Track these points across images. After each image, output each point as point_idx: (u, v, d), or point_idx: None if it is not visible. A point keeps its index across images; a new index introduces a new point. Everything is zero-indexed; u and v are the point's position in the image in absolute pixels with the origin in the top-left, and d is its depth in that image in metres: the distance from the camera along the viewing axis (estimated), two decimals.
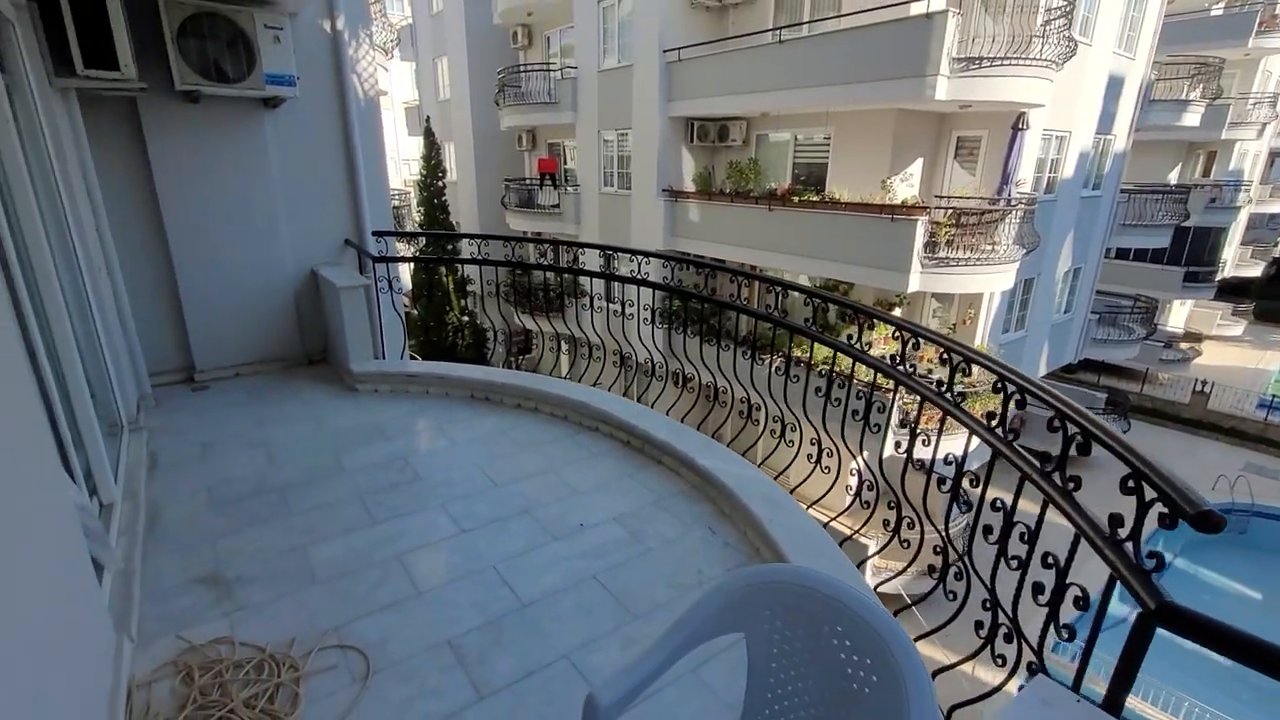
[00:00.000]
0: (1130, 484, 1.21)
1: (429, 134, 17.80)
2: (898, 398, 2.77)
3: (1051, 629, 1.49)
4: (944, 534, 2.04)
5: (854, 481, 2.91)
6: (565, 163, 16.65)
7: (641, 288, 4.04)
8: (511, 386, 4.13)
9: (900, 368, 2.24)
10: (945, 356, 2.02)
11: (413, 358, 5.50)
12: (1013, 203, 9.62)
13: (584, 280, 6.41)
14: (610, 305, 5.01)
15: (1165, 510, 1.12)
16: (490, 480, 3.20)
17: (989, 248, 9.39)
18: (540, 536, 2.76)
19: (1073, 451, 1.45)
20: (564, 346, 14.50)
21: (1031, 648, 1.56)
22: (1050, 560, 1.45)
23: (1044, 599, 1.48)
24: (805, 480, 3.11)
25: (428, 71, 20.51)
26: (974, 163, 10.57)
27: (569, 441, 3.65)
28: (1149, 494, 1.18)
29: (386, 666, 2.05)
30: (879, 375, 2.62)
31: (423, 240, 9.48)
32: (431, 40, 19.80)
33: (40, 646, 1.38)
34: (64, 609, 1.60)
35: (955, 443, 2.12)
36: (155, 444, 3.48)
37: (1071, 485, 1.40)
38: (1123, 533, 1.24)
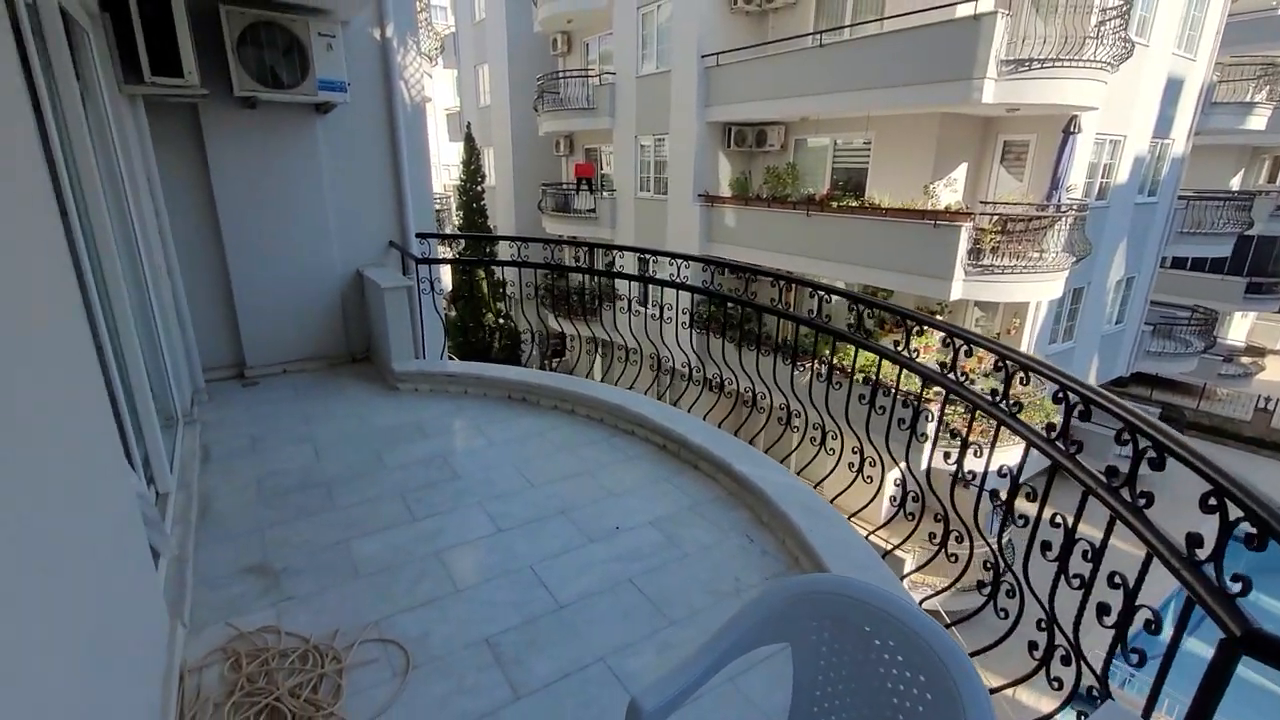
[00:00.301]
0: (1211, 501, 1.14)
1: (469, 139, 18.16)
2: (941, 409, 2.69)
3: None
4: (997, 549, 1.96)
5: (894, 492, 2.83)
6: (602, 168, 16.77)
7: (680, 291, 4.02)
8: (548, 388, 4.15)
9: (950, 376, 2.17)
10: (999, 364, 1.95)
11: (450, 358, 5.59)
12: (1062, 209, 9.30)
13: (619, 284, 6.43)
14: (646, 310, 5.00)
15: (1253, 530, 1.05)
16: (527, 481, 3.22)
17: (1036, 255, 9.09)
18: (577, 538, 2.76)
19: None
20: (597, 350, 14.57)
21: (1095, 672, 1.48)
22: (1117, 580, 1.38)
23: (1109, 620, 1.40)
24: (842, 493, 3.04)
25: (469, 78, 20.93)
26: (1021, 168, 10.26)
27: (605, 444, 3.65)
28: (1233, 512, 1.11)
29: (426, 662, 2.07)
30: (923, 385, 2.55)
31: (462, 243, 9.66)
32: (473, 48, 20.20)
33: (106, 627, 1.43)
34: (126, 592, 1.66)
35: (1007, 455, 2.04)
36: (208, 437, 3.60)
37: (1143, 501, 1.33)
38: (1201, 553, 1.17)
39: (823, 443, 3.14)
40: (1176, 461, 1.33)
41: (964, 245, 8.83)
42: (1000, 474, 2.03)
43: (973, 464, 2.20)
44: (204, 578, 2.44)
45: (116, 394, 2.35)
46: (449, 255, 5.63)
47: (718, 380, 4.13)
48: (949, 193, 10.20)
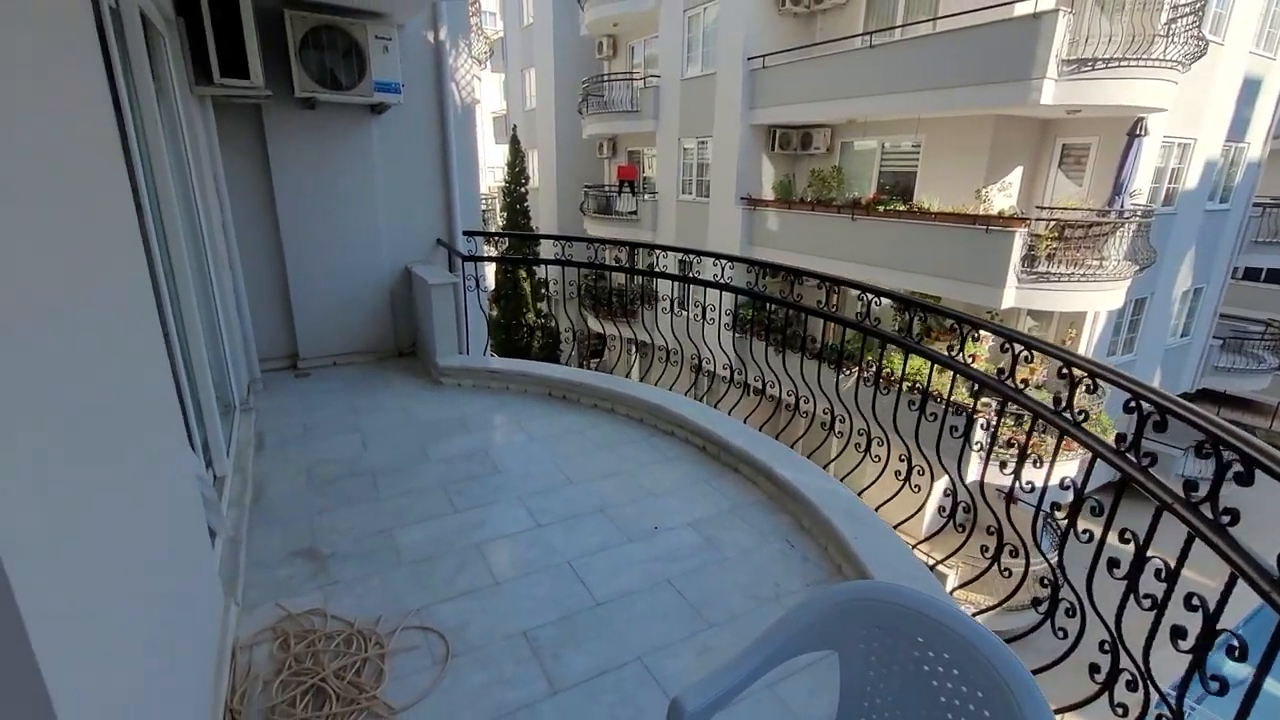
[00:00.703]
0: None
1: (514, 142, 18.46)
2: (997, 418, 2.59)
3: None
4: (1057, 566, 1.87)
5: (940, 504, 2.73)
6: (644, 170, 16.81)
7: (723, 292, 3.98)
8: (589, 386, 4.16)
9: (1007, 382, 2.08)
10: (1062, 371, 1.85)
11: (491, 355, 5.68)
12: (1125, 215, 8.88)
13: (660, 285, 6.41)
14: (688, 312, 4.97)
15: None
16: (566, 477, 3.23)
17: (1096, 263, 8.70)
18: (615, 536, 2.75)
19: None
20: (636, 351, 14.61)
21: (1167, 701, 1.39)
22: (1195, 601, 1.29)
23: (1185, 645, 1.32)
24: (886, 502, 2.95)
25: (516, 82, 21.29)
26: (1081, 172, 9.85)
27: (644, 444, 3.64)
28: None
29: (465, 651, 2.10)
30: (976, 394, 2.46)
31: (505, 242, 9.81)
32: (521, 52, 20.54)
33: (172, 599, 1.49)
34: (188, 567, 1.73)
35: (1063, 470, 1.95)
36: (263, 424, 3.74)
37: (1227, 519, 1.24)
38: None
39: (867, 449, 3.06)
40: (1250, 484, 1.24)
41: (1018, 251, 8.52)
42: (1063, 486, 1.93)
43: (1029, 477, 2.10)
44: (256, 559, 2.52)
45: (180, 379, 2.45)
46: (494, 254, 5.72)
47: (758, 384, 4.07)
48: (1003, 197, 9.87)
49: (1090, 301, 9.08)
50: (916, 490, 2.73)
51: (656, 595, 2.39)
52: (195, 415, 2.66)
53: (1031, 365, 2.19)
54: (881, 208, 10.37)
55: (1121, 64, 7.86)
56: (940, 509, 2.56)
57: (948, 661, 1.19)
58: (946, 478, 2.62)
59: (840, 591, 1.34)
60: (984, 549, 2.24)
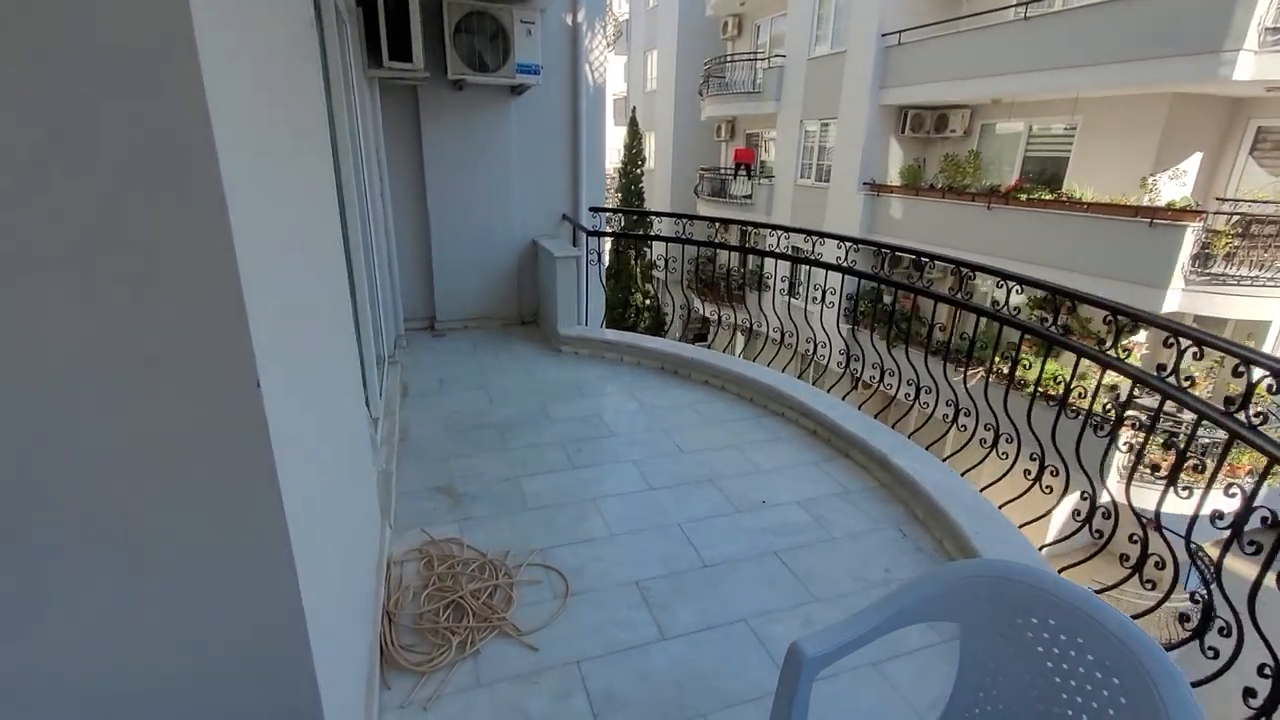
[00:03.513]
0: None
1: (633, 124, 18.69)
2: (1130, 438, 2.37)
3: None
4: (1213, 575, 1.72)
5: (1065, 510, 2.55)
6: (762, 154, 16.48)
7: (844, 277, 3.89)
8: (700, 363, 4.24)
9: (1169, 380, 1.91)
10: (1239, 369, 1.69)
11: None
12: None
13: (771, 269, 6.33)
14: (805, 301, 4.89)
15: None
16: (677, 446, 3.35)
17: None
18: (723, 506, 2.83)
19: None
20: (743, 337, 14.49)
21: None
22: None
23: None
24: (1009, 503, 2.80)
25: (638, 64, 21.50)
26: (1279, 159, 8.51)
27: (753, 422, 3.67)
28: None
29: (582, 591, 2.27)
30: (1126, 401, 2.27)
31: (620, 221, 10.05)
32: (644, 33, 20.69)
33: (358, 514, 1.75)
34: (363, 485, 2.02)
35: (1217, 499, 1.77)
36: (406, 376, 4.16)
37: None
38: None
39: (994, 445, 2.92)
40: None
41: (1188, 249, 7.56)
42: (1215, 520, 1.76)
43: (1174, 508, 1.94)
44: (403, 491, 2.85)
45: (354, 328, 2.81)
46: (612, 230, 5.93)
47: (868, 378, 3.95)
48: (1175, 186, 8.73)
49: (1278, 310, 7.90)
50: (1048, 491, 2.58)
51: (763, 565, 2.45)
52: (359, 362, 3.03)
53: (1194, 381, 1.94)
54: (1024, 196, 9.54)
55: None
56: (1075, 512, 2.41)
57: (1081, 647, 1.17)
58: (1078, 493, 2.44)
59: (972, 565, 1.34)
60: (1124, 557, 2.08)
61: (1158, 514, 2.02)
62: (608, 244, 7.23)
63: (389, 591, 2.20)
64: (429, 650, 1.97)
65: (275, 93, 1.21)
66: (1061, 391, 2.39)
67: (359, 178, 3.56)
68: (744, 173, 15.57)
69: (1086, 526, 2.30)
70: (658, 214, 5.29)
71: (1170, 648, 2.01)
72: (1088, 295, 2.37)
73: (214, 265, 0.83)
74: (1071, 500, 2.56)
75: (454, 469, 3.06)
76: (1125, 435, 5.42)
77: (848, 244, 3.77)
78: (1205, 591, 1.76)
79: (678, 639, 2.07)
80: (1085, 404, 2.43)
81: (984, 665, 1.29)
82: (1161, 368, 1.90)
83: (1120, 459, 7.29)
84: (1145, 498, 2.23)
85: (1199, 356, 1.83)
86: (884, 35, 11.36)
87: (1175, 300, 7.84)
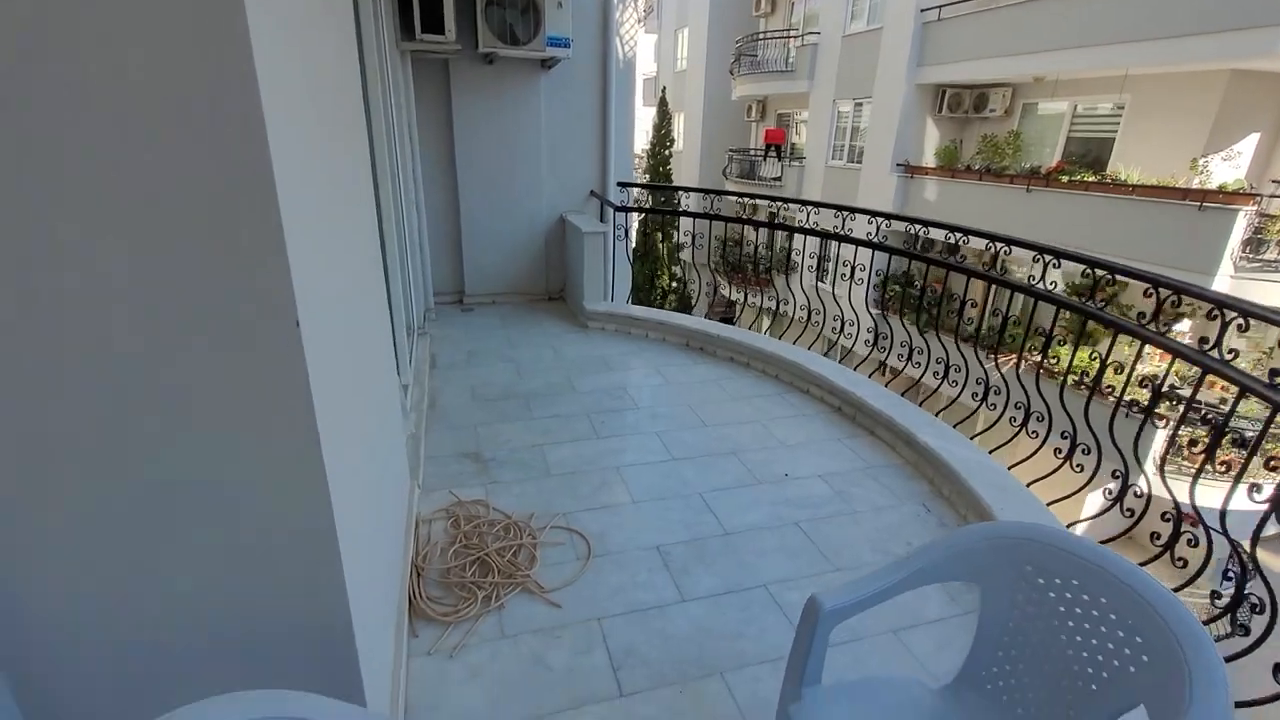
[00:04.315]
0: None
1: (663, 103, 18.50)
2: (1190, 400, 2.30)
3: None
4: (1250, 556, 1.68)
5: (1097, 496, 2.50)
6: (793, 135, 16.19)
7: (876, 253, 3.83)
8: (725, 339, 4.24)
9: (1211, 354, 1.85)
10: None
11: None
12: None
13: (796, 248, 6.26)
14: (820, 283, 4.82)
15: None
16: (700, 420, 3.36)
17: None
18: (746, 477, 2.84)
19: None
20: (769, 318, 14.37)
21: None
22: None
23: None
24: (1038, 480, 2.75)
25: (668, 43, 21.21)
26: None
27: (778, 398, 3.67)
28: None
29: (604, 554, 2.31)
30: (1159, 386, 2.21)
31: (648, 201, 10.00)
32: (675, 11, 20.37)
33: (388, 464, 1.81)
34: (392, 442, 2.08)
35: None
36: (435, 348, 4.24)
37: None
38: None
39: (1024, 424, 2.87)
40: None
41: (1238, 233, 7.25)
42: (1252, 493, 1.71)
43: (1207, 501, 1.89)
44: (431, 455, 2.93)
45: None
46: (639, 206, 5.91)
47: (900, 355, 3.89)
48: (1228, 169, 8.36)
49: None
50: (1079, 470, 2.53)
51: (784, 535, 2.46)
52: (392, 332, 3.10)
53: (1238, 354, 1.86)
54: (1065, 178, 9.23)
55: None
56: (1105, 491, 2.36)
57: (1103, 606, 1.16)
58: (1110, 474, 2.39)
59: (995, 527, 1.33)
60: (1154, 535, 2.04)
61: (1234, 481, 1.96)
62: (635, 222, 7.22)
63: (417, 547, 2.27)
64: (455, 603, 2.03)
65: (311, 57, 1.24)
66: (1097, 371, 2.33)
67: (391, 149, 3.61)
68: (774, 154, 15.33)
69: (1117, 505, 2.25)
70: (686, 189, 5.25)
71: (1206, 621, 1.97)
72: (1128, 267, 2.30)
73: (260, 213, 0.87)
74: (1104, 483, 2.51)
75: (481, 436, 3.12)
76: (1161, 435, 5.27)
77: (879, 219, 3.71)
78: (1239, 566, 1.72)
79: (698, 601, 2.11)
80: (1120, 387, 2.37)
81: (1004, 625, 1.29)
82: (1204, 340, 1.85)
83: (1158, 443, 7.10)
84: (1181, 486, 2.16)
85: (1244, 329, 1.77)
86: (923, 10, 11.03)
87: (1223, 287, 7.53)
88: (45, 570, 0.94)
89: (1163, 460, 2.36)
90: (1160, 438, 7.05)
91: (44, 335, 0.84)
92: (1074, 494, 2.59)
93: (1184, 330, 8.43)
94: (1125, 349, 2.68)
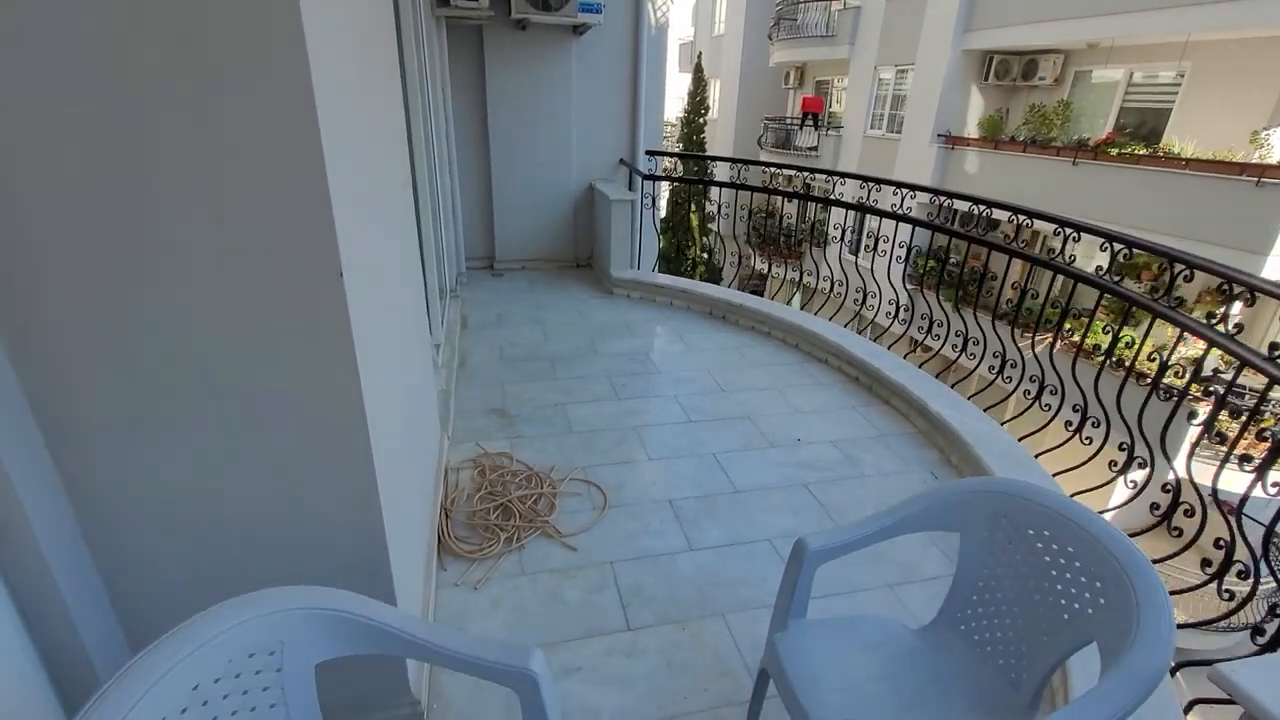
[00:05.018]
0: None
1: (698, 70, 18.16)
2: (1231, 385, 2.30)
3: None
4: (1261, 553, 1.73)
5: (1127, 487, 2.51)
6: (831, 103, 15.77)
7: (908, 228, 3.82)
8: (747, 309, 4.30)
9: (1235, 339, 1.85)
10: None
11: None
12: None
13: (832, 221, 6.21)
14: (855, 257, 4.81)
15: None
16: (718, 385, 3.46)
17: None
18: (758, 440, 2.95)
19: None
20: (796, 289, 14.26)
21: None
22: None
23: None
24: (1064, 471, 2.76)
25: (706, 6, 20.68)
26: None
27: (797, 367, 3.74)
28: None
29: (619, 505, 2.46)
30: (1191, 378, 2.19)
31: (680, 171, 9.96)
32: None
33: (420, 414, 1.97)
34: (425, 394, 2.24)
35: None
36: (466, 310, 4.40)
37: None
38: None
39: (1038, 397, 2.90)
40: None
41: None
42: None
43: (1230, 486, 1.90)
44: (460, 409, 3.10)
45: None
46: (668, 175, 5.95)
47: (937, 335, 3.89)
48: None
49: None
50: (1088, 442, 2.56)
51: (792, 495, 2.57)
52: (426, 293, 3.25)
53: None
54: (1115, 151, 8.86)
55: None
56: (1130, 482, 2.39)
57: (1070, 555, 1.25)
58: (1167, 474, 2.36)
59: (978, 481, 1.42)
60: (1205, 563, 2.05)
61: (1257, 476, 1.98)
62: (665, 191, 7.23)
63: (446, 491, 2.45)
64: (480, 543, 2.21)
65: (349, 18, 1.35)
66: (1157, 369, 2.31)
67: (426, 115, 3.72)
68: (811, 123, 14.99)
69: (1166, 522, 2.25)
70: (716, 158, 5.24)
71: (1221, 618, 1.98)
72: (1148, 242, 2.29)
73: (305, 172, 0.99)
74: (1135, 473, 2.50)
75: (507, 394, 3.28)
76: (1204, 412, 5.16)
77: (920, 193, 3.69)
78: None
79: (704, 550, 2.24)
80: (1162, 364, 2.35)
81: (980, 570, 1.39)
82: (1275, 346, 1.82)
83: (1193, 437, 6.94)
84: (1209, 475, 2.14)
85: (1251, 303, 1.78)
86: None
87: (1277, 268, 7.23)
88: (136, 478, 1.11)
89: (1194, 447, 2.34)
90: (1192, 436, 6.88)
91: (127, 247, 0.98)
92: (1103, 485, 2.59)
93: (1235, 313, 8.12)
94: (1167, 331, 2.66)
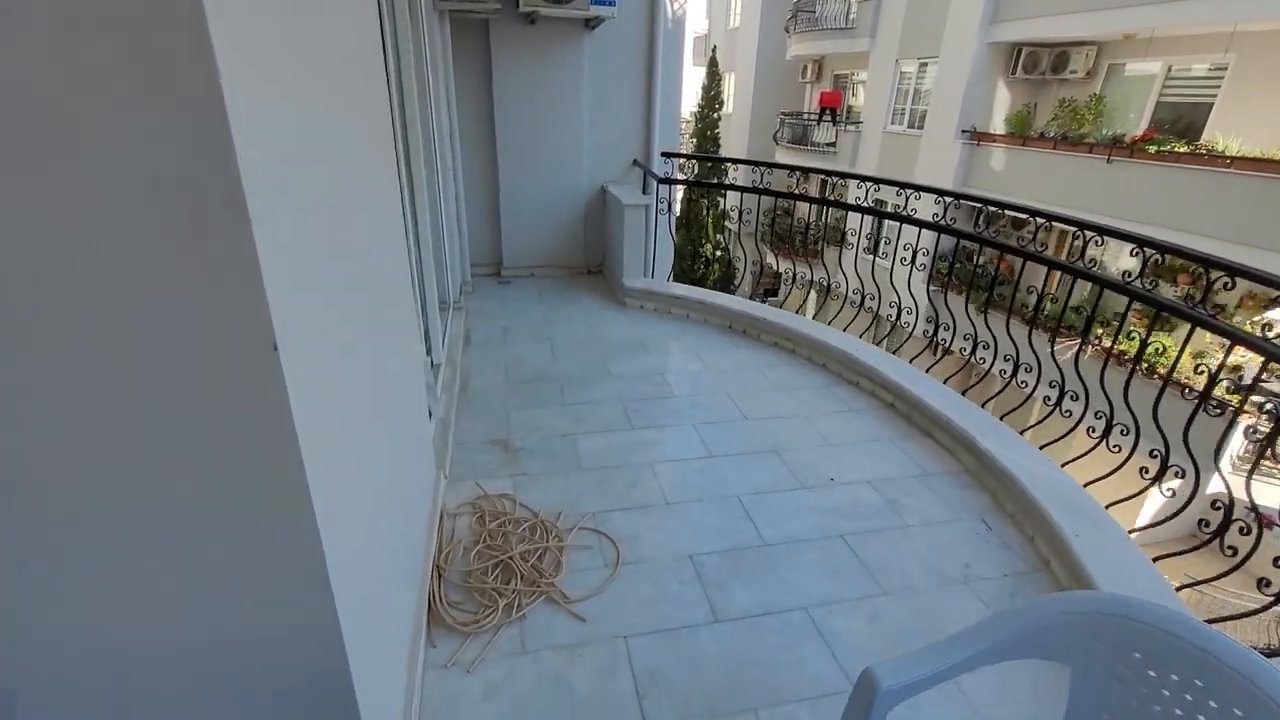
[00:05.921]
0: None
1: (713, 64, 17.76)
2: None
3: None
4: None
5: (1161, 498, 2.23)
6: (849, 97, 15.34)
7: (939, 236, 3.50)
8: (770, 323, 4.00)
9: None
10: None
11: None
12: None
13: (850, 224, 5.88)
14: (877, 258, 4.49)
15: None
16: (740, 412, 3.18)
17: None
18: (787, 480, 2.66)
19: None
20: (812, 289, 13.88)
21: None
22: None
23: None
24: (1094, 481, 2.49)
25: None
26: None
27: (825, 390, 3.44)
28: None
29: (634, 561, 2.19)
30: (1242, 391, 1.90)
31: (693, 170, 9.63)
32: None
33: (408, 468, 1.70)
34: (416, 441, 1.97)
35: None
36: (470, 323, 4.14)
37: None
38: None
39: (1058, 402, 2.59)
40: None
41: None
42: None
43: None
44: (460, 442, 2.83)
45: (414, 275, 2.74)
46: (685, 178, 5.65)
47: (962, 349, 3.60)
48: None
49: None
50: (1115, 450, 2.27)
51: (828, 549, 2.29)
52: (420, 307, 2.99)
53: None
54: (1152, 148, 8.43)
55: None
56: (1167, 490, 2.10)
57: (1224, 701, 0.95)
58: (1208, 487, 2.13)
59: (1085, 599, 1.13)
60: (1263, 583, 1.79)
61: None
62: (679, 192, 6.92)
63: (440, 543, 2.19)
64: (475, 610, 1.94)
65: (301, 28, 1.07)
66: (1206, 383, 2.04)
67: (426, 116, 3.45)
68: (829, 118, 14.58)
69: (1219, 539, 1.99)
70: (734, 160, 4.94)
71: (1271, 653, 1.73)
72: (1180, 246, 2.01)
73: (222, 215, 0.71)
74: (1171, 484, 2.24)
75: (512, 421, 3.02)
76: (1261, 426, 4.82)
77: (947, 199, 3.38)
78: None
79: (732, 623, 1.96)
80: (1211, 379, 2.07)
81: (1099, 715, 1.10)
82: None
83: (1240, 450, 6.58)
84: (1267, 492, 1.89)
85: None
86: None
87: None
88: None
89: (1254, 464, 2.05)
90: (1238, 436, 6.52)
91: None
92: (1134, 495, 2.31)
93: (1277, 319, 7.71)
94: (1206, 337, 2.39)
